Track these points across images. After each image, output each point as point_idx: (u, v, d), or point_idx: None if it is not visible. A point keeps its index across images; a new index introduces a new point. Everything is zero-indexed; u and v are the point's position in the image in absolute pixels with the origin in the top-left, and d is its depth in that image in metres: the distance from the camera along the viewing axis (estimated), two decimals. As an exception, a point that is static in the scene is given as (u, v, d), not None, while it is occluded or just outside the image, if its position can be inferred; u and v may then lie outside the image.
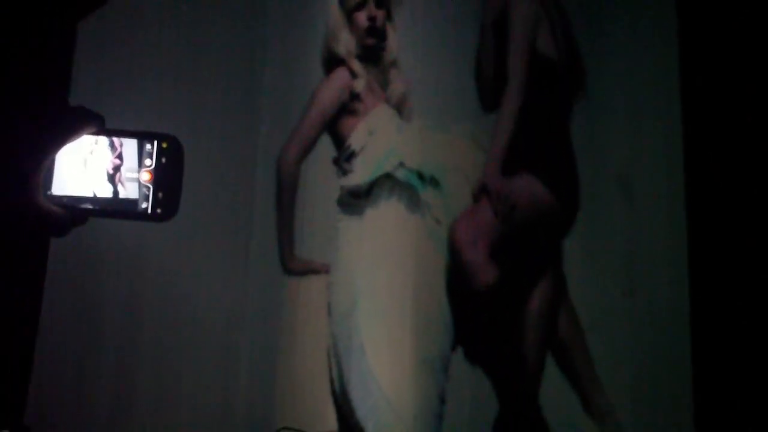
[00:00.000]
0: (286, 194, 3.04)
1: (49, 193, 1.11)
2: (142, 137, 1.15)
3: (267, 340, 2.96)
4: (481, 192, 2.95)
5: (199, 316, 3.04)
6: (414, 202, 2.98)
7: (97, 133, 1.13)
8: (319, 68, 3.12)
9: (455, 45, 3.10)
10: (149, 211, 1.15)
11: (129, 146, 1.14)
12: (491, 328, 2.94)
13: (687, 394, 3.00)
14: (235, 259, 3.04)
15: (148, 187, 1.15)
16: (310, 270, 2.99)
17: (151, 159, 1.15)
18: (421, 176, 2.99)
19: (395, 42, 3.12)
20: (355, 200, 3.00)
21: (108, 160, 1.13)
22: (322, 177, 3.05)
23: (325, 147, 3.08)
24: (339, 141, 3.08)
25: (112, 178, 1.13)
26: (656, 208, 3.11)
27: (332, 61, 3.11)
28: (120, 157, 1.14)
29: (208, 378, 2.99)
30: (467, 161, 3.02)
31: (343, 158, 3.04)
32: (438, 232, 2.95)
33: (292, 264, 3.01)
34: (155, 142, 1.16)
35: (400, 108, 3.10)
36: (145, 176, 1.14)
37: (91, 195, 1.13)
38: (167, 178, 1.15)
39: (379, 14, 3.10)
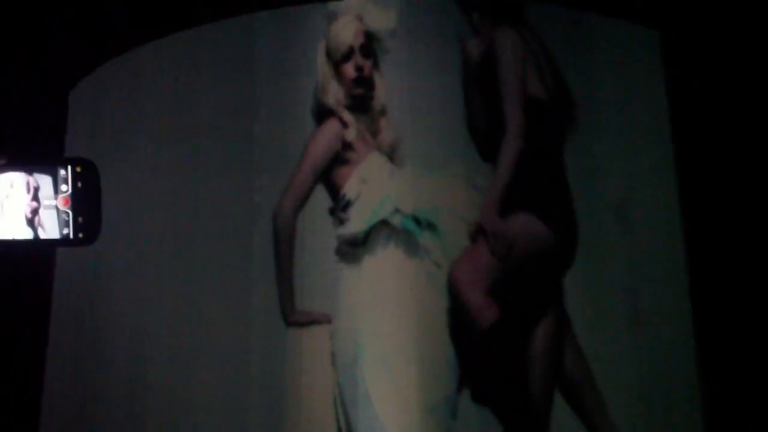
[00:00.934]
0: (283, 246, 3.05)
1: None
2: (55, 164, 1.14)
3: (272, 392, 2.94)
4: (478, 233, 2.96)
5: (203, 372, 3.02)
6: (412, 247, 2.99)
7: (7, 167, 1.12)
8: (309, 119, 3.14)
9: (442, 89, 3.14)
10: (71, 236, 1.14)
11: (45, 183, 1.13)
12: (496, 368, 2.94)
13: (698, 423, 2.99)
14: (236, 314, 3.03)
15: (68, 213, 1.14)
16: (311, 321, 2.99)
17: (67, 184, 1.14)
18: (417, 221, 3.00)
19: (383, 90, 3.15)
20: (352, 249, 3.00)
21: (25, 204, 1.12)
22: (319, 227, 3.06)
23: (320, 197, 3.10)
24: (334, 191, 3.09)
25: (31, 222, 1.13)
26: (654, 235, 3.13)
27: (322, 112, 3.14)
28: (37, 198, 1.13)
29: (214, 433, 2.97)
30: (462, 203, 3.03)
31: (339, 208, 3.06)
32: (437, 276, 2.95)
33: (294, 316, 3.00)
34: (69, 168, 1.15)
35: (391, 155, 3.12)
36: (63, 202, 1.13)
37: (11, 238, 1.12)
38: (86, 202, 1.14)
39: (366, 64, 3.13)
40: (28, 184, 1.16)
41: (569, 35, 3.21)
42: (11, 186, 1.14)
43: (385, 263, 2.98)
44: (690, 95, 3.14)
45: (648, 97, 3.25)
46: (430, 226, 3.00)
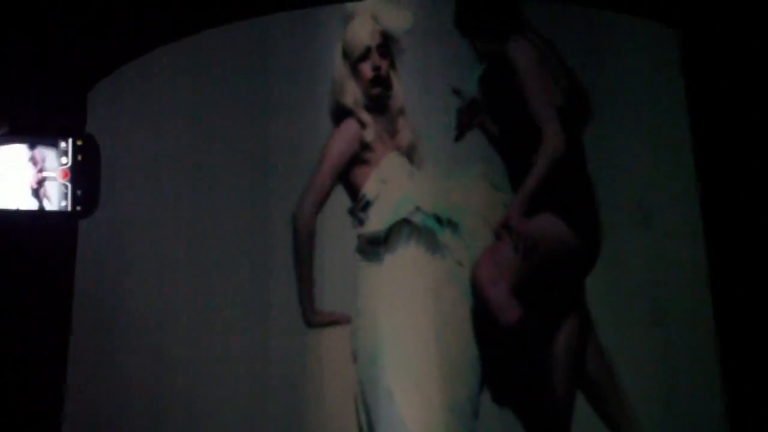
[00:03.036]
0: (303, 247, 3.04)
1: None
2: (56, 136, 1.13)
3: (293, 392, 2.93)
4: (504, 229, 2.94)
5: (223, 373, 3.02)
6: (433, 246, 2.97)
7: (7, 137, 1.11)
8: (327, 120, 3.14)
9: (459, 88, 3.13)
10: (68, 208, 1.13)
11: (50, 156, 1.12)
12: (518, 368, 2.92)
13: (721, 422, 2.97)
14: (256, 315, 3.03)
15: (66, 185, 1.13)
16: (332, 321, 2.97)
17: (67, 157, 1.13)
18: (438, 219, 2.99)
19: (401, 90, 3.14)
20: (373, 247, 2.99)
21: (31, 175, 1.11)
22: (338, 228, 3.05)
23: (339, 198, 3.09)
24: (353, 191, 3.08)
25: (36, 193, 1.12)
26: (676, 234, 3.11)
27: (340, 113, 3.13)
28: (42, 170, 1.12)
29: (235, 433, 2.97)
30: (483, 202, 3.02)
31: (358, 208, 3.05)
32: (459, 274, 2.94)
33: (314, 317, 2.99)
34: (69, 141, 1.14)
35: (410, 155, 3.11)
36: (62, 175, 1.12)
37: (15, 209, 1.11)
38: (85, 175, 1.14)
39: (383, 64, 3.13)
40: (34, 156, 1.16)
41: (589, 35, 3.21)
42: (17, 156, 1.14)
43: (407, 261, 2.97)
44: (710, 93, 3.13)
45: (668, 95, 3.24)
46: (452, 224, 2.99)
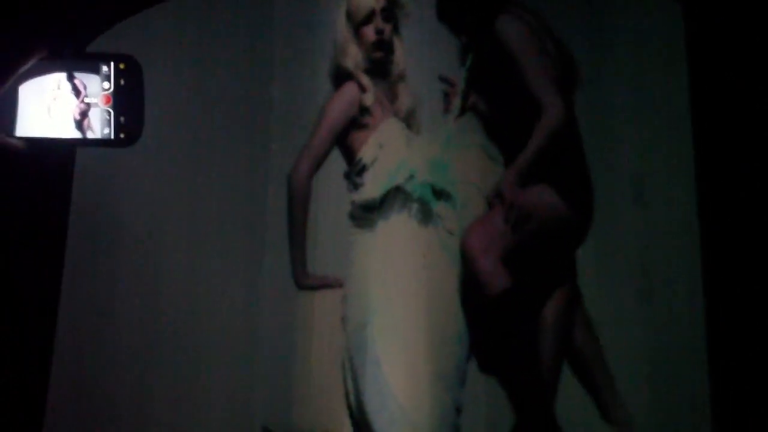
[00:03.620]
0: (298, 210, 3.04)
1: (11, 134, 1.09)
2: (98, 59, 1.11)
3: (281, 354, 2.95)
4: (496, 198, 2.94)
5: (213, 332, 3.03)
6: (426, 215, 2.98)
7: (49, 57, 1.09)
8: (327, 83, 3.13)
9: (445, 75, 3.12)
10: (112, 136, 1.11)
11: (92, 83, 1.10)
12: (505, 338, 2.94)
13: (706, 400, 2.99)
14: (247, 276, 3.04)
15: (109, 112, 1.11)
16: (323, 284, 2.99)
17: (109, 82, 1.11)
18: (432, 189, 2.99)
19: (402, 56, 3.13)
20: (367, 214, 3.00)
21: (74, 105, 1.09)
22: (333, 192, 3.06)
23: (335, 162, 3.09)
24: (349, 155, 3.08)
25: (80, 125, 1.10)
26: (669, 210, 3.11)
27: (340, 76, 3.12)
28: (85, 100, 1.10)
29: (222, 393, 2.98)
30: (478, 173, 3.02)
31: (354, 172, 3.05)
32: (451, 244, 2.95)
33: (305, 280, 3.00)
34: (112, 64, 1.12)
35: (409, 121, 3.11)
36: (104, 100, 1.10)
37: (58, 137, 1.09)
38: (128, 101, 1.11)
39: (387, 28, 3.11)
40: (75, 85, 1.14)
41: (585, 8, 3.18)
42: (58, 87, 1.12)
43: (399, 230, 2.98)
44: (711, 70, 3.10)
45: (667, 71, 3.21)
46: (445, 194, 2.99)
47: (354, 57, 3.10)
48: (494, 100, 3.08)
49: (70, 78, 1.12)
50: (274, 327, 2.98)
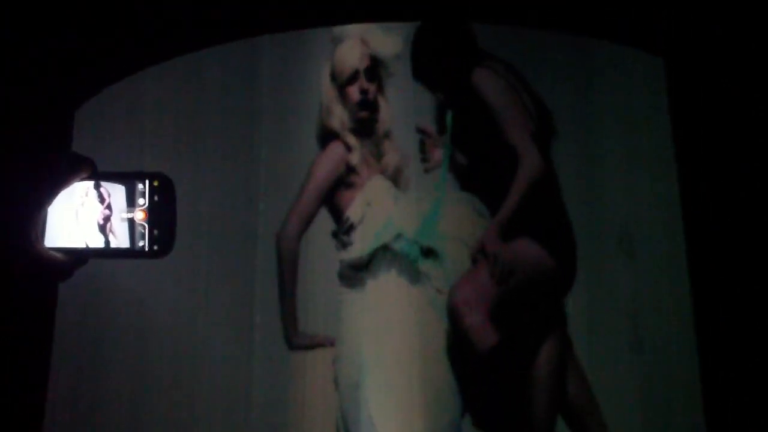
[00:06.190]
0: (287, 270, 3.05)
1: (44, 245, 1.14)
2: (134, 178, 1.17)
3: (275, 416, 2.94)
4: (480, 254, 2.95)
5: (204, 395, 3.02)
6: (414, 273, 2.99)
7: (89, 178, 1.15)
8: (314, 143, 3.15)
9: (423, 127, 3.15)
10: (146, 248, 1.17)
11: (117, 193, 1.16)
12: (497, 393, 2.93)
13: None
14: (238, 337, 3.03)
15: (144, 226, 1.17)
16: (315, 344, 2.98)
17: (144, 198, 1.18)
18: (420, 248, 3.00)
19: (388, 113, 3.16)
20: (356, 273, 3.01)
21: (98, 211, 1.15)
22: (322, 251, 3.07)
23: (323, 221, 3.10)
24: (337, 214, 3.10)
25: (102, 229, 1.15)
26: (658, 261, 3.13)
27: (327, 136, 3.15)
28: (109, 207, 1.16)
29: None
30: (465, 229, 3.03)
31: (342, 231, 3.06)
32: (439, 302, 2.95)
33: (297, 339, 3.00)
34: (147, 182, 1.19)
35: (395, 178, 3.13)
36: (140, 215, 1.17)
37: (84, 246, 1.15)
38: (162, 215, 1.18)
39: (371, 87, 3.14)
40: (101, 193, 1.19)
41: (571, 62, 3.22)
42: (86, 194, 1.18)
43: (388, 288, 2.98)
44: (694, 122, 3.14)
45: (651, 123, 3.26)
46: (433, 253, 3.00)
47: (339, 117, 3.13)
48: (473, 152, 3.11)
49: (97, 186, 1.19)
50: (266, 387, 2.97)
